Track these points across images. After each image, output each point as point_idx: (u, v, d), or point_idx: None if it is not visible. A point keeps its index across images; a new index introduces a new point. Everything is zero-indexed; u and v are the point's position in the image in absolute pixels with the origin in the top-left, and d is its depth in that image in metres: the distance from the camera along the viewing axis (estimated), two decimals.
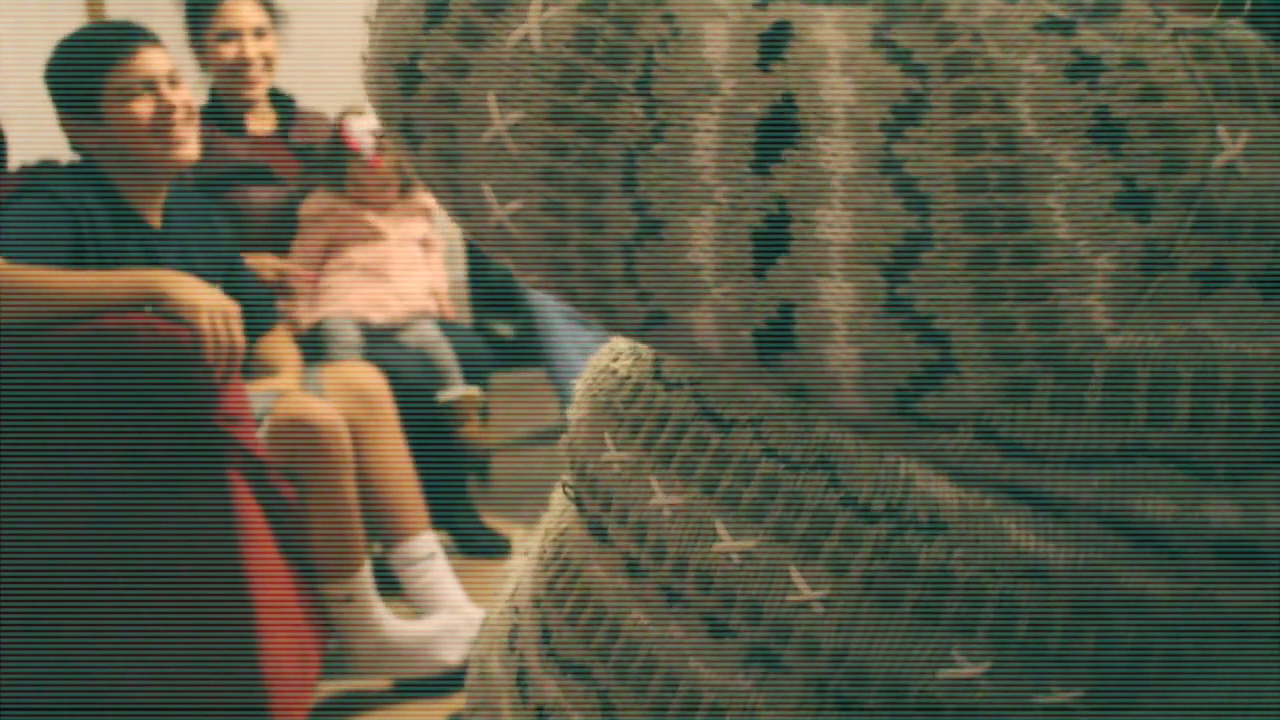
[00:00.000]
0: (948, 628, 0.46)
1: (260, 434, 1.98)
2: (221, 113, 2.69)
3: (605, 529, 0.55)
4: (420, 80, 0.46)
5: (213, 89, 2.71)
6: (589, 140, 0.43)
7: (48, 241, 1.85)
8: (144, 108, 1.99)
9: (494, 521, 2.78)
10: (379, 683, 2.18)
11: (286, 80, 2.80)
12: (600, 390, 0.57)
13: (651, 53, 0.43)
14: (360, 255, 2.60)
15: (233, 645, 1.83)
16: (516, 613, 0.63)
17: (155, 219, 2.08)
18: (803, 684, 0.49)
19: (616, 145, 0.43)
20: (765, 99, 0.43)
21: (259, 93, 2.70)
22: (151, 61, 2.00)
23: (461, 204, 0.47)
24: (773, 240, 0.42)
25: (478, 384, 2.60)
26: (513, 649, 0.61)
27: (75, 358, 1.75)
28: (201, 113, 2.66)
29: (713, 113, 0.43)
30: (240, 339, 1.78)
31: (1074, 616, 0.46)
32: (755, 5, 0.45)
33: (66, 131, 2.04)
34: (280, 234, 2.63)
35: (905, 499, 0.46)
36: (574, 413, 0.60)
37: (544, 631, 0.58)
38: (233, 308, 1.80)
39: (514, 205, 0.45)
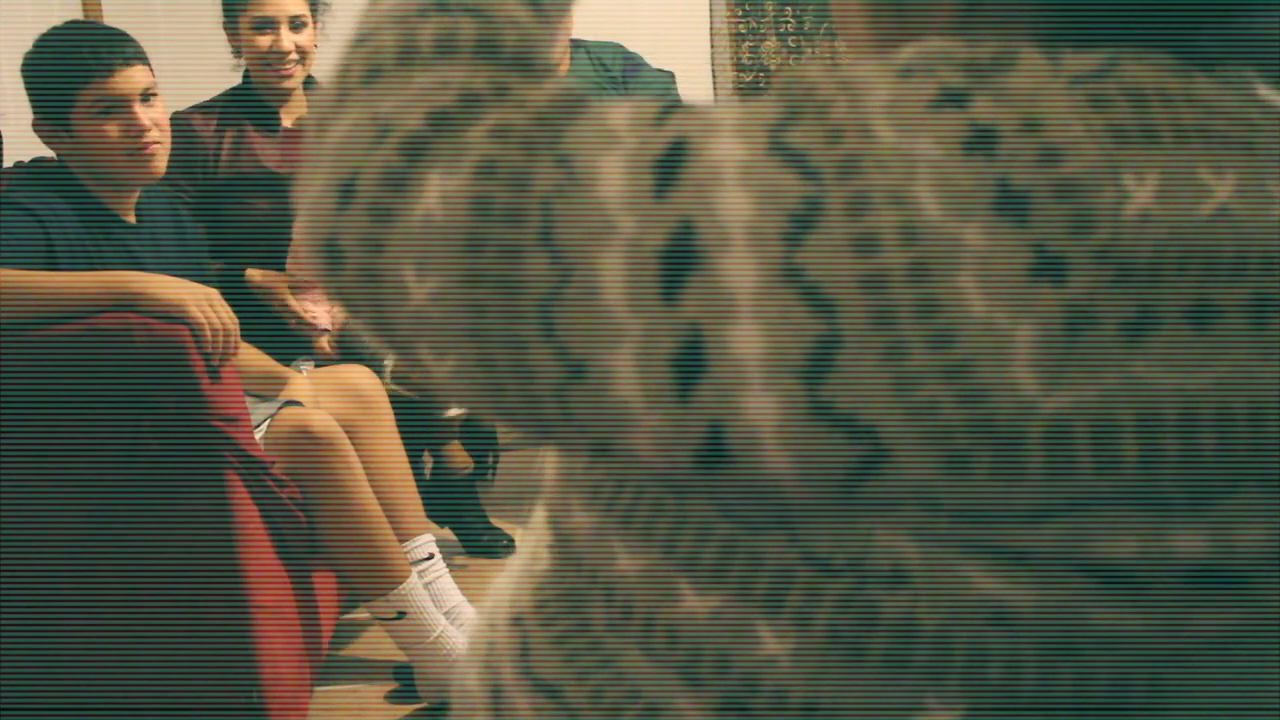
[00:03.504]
0: (918, 677, 0.45)
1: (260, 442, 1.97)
2: (254, 99, 2.61)
3: (579, 589, 0.55)
4: (343, 258, 0.47)
5: (247, 74, 2.63)
6: (503, 297, 0.44)
7: (17, 248, 1.82)
8: (113, 127, 1.95)
9: (495, 522, 2.77)
10: (376, 686, 2.17)
11: (325, 72, 2.71)
12: (563, 455, 0.58)
13: (548, 203, 0.44)
14: None
15: (229, 646, 1.82)
16: (493, 629, 0.62)
17: (129, 215, 2.06)
18: None
19: (529, 298, 0.44)
20: (664, 229, 0.43)
21: (294, 84, 2.59)
22: (127, 80, 1.95)
23: (408, 363, 0.49)
24: (691, 364, 0.42)
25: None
26: (488, 665, 0.61)
27: (71, 358, 1.74)
28: (233, 97, 2.62)
29: (615, 250, 0.43)
30: (232, 319, 1.77)
31: (1047, 657, 0.44)
32: (652, 123, 0.45)
33: (38, 132, 2.01)
34: (275, 247, 2.53)
35: (866, 553, 0.45)
36: (546, 475, 0.60)
37: (523, 648, 0.57)
38: (213, 292, 1.78)
39: (449, 364, 0.46)
